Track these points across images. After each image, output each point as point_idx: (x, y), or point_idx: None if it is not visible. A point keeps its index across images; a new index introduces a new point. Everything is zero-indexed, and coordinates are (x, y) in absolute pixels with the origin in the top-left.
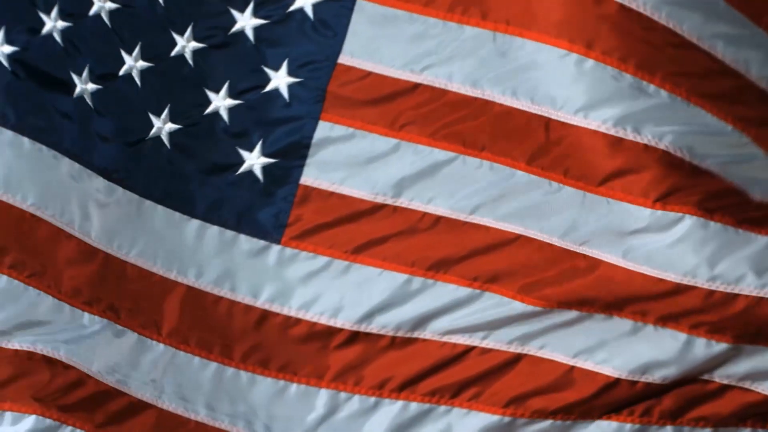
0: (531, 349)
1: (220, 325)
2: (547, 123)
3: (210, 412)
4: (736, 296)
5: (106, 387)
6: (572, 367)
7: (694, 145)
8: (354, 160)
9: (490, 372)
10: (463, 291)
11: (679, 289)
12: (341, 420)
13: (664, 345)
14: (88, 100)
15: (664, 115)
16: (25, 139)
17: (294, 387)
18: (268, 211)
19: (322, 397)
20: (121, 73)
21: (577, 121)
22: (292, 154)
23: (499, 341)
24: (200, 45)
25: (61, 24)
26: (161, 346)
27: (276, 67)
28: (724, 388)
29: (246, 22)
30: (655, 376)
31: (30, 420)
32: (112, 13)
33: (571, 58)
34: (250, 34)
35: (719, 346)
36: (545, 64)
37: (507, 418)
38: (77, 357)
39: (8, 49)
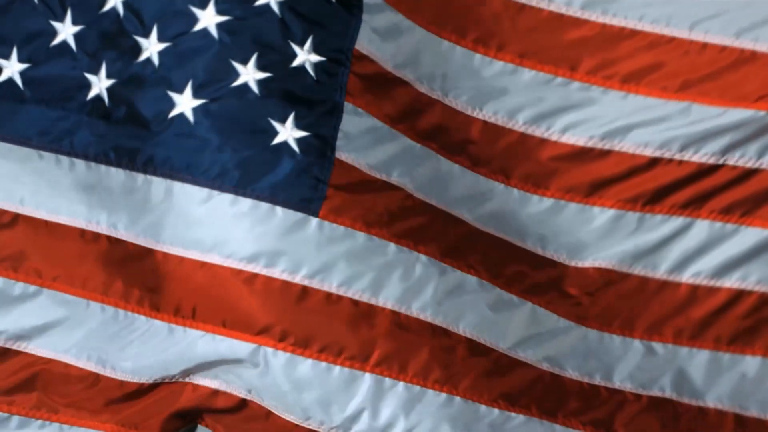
0: (545, 364)
1: (256, 303)
2: None
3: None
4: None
5: None
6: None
7: None
8: (378, 147)
9: (521, 380)
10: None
11: None
12: (387, 405)
13: None
14: (105, 97)
15: None
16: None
17: (337, 370)
18: (305, 183)
19: (366, 381)
20: (141, 59)
21: None
22: (325, 128)
23: (528, 355)
24: (225, 18)
25: (72, 29)
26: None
27: (301, 43)
28: (722, 415)
29: None
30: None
31: None
32: (125, 3)
33: None
34: (276, 8)
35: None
36: None
37: (546, 422)
38: None
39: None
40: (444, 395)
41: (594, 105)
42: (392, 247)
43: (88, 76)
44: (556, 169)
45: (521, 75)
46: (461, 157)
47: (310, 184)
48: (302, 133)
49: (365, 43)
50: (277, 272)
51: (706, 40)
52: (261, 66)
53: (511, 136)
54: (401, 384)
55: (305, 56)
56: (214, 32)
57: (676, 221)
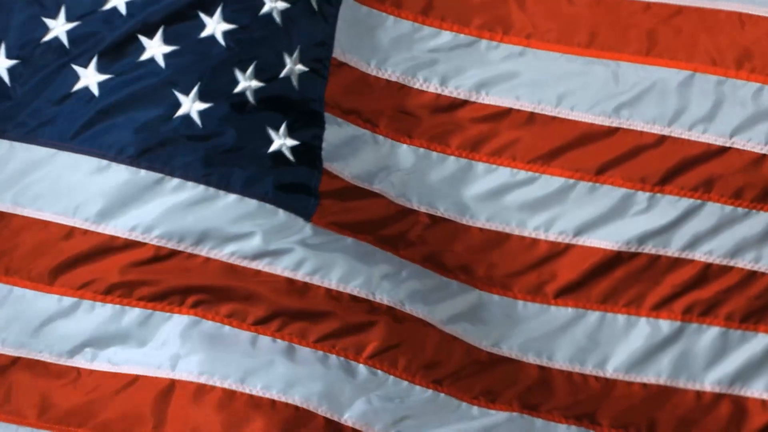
0: (529, 357)
1: (259, 294)
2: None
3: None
4: (731, 268)
5: None
6: (570, 372)
7: None
8: (355, 154)
9: (500, 374)
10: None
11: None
12: (380, 397)
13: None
14: (94, 90)
15: None
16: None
17: (333, 359)
18: (301, 189)
19: (361, 373)
20: (142, 58)
21: None
22: (311, 139)
23: (499, 347)
24: (230, 26)
25: (67, 26)
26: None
27: (290, 53)
28: (718, 398)
29: (274, 3)
30: (650, 375)
31: None
32: (128, 3)
33: None
34: (277, 17)
35: (710, 332)
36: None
37: (526, 417)
38: None
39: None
40: (430, 391)
41: (601, 79)
42: (379, 252)
43: (77, 68)
44: (566, 148)
45: (529, 56)
46: (456, 148)
47: (304, 190)
48: (294, 142)
49: (343, 50)
50: (279, 269)
51: (716, 6)
52: (257, 75)
53: (518, 117)
54: (391, 378)
55: (291, 66)
56: (220, 39)
57: (687, 202)
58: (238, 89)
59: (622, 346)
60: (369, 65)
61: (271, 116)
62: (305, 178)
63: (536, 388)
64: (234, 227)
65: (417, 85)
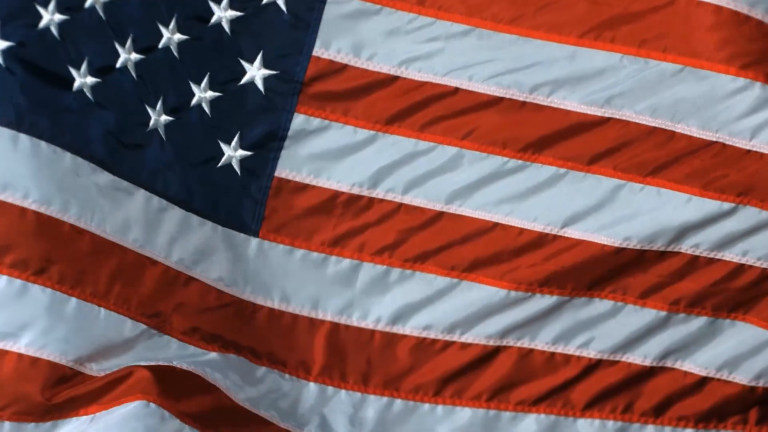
0: (510, 341)
1: (214, 317)
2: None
3: None
4: (718, 261)
5: None
6: (552, 354)
7: None
8: (330, 152)
9: (471, 366)
10: (442, 281)
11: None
12: (332, 411)
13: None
14: (88, 94)
15: None
16: (23, 136)
17: (286, 378)
18: (246, 203)
19: (312, 390)
20: (117, 65)
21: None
22: (267, 147)
23: (477, 336)
24: (183, 37)
25: (58, 17)
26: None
27: (251, 60)
28: (704, 381)
29: (222, 14)
30: (636, 355)
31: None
32: (105, 6)
33: None
34: (226, 26)
35: (698, 320)
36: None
37: (492, 412)
38: None
39: (2, 44)
40: (385, 398)
41: (592, 69)
42: (332, 260)
43: (73, 70)
44: (557, 137)
45: (521, 45)
46: (445, 136)
47: (248, 205)
48: (245, 153)
49: (326, 47)
50: (230, 291)
51: (711, 1)
52: (212, 86)
53: (511, 105)
54: (343, 392)
55: (254, 72)
56: (174, 50)
57: (675, 195)
58: (194, 102)
59: (609, 328)
60: (359, 58)
61: (225, 128)
62: (251, 191)
63: (510, 377)
64: (174, 240)
65: (411, 76)
